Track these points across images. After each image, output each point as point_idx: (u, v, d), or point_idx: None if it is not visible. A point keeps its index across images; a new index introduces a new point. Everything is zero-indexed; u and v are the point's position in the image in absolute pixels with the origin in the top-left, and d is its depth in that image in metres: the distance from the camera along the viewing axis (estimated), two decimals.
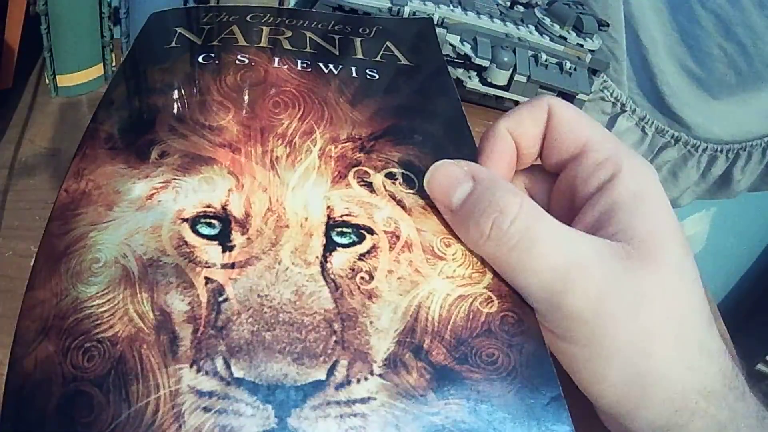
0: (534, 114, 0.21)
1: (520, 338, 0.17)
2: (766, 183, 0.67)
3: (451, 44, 0.40)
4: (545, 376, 0.16)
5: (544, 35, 0.41)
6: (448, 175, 0.20)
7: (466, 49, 0.37)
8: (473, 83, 0.41)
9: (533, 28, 0.42)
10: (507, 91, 0.39)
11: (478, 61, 0.37)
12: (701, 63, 0.56)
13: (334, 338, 0.16)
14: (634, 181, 0.19)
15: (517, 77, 0.38)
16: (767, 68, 0.55)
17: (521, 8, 0.44)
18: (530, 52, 0.39)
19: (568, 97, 0.42)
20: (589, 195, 0.20)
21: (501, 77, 0.38)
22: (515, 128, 0.21)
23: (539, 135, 0.22)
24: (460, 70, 0.41)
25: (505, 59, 0.37)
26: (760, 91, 0.58)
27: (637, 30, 0.56)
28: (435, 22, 0.40)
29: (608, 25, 0.47)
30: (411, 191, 0.21)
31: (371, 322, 0.17)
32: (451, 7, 0.39)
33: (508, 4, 0.44)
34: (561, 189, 0.21)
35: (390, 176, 0.21)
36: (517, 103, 0.39)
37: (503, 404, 0.16)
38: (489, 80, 0.38)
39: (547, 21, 0.42)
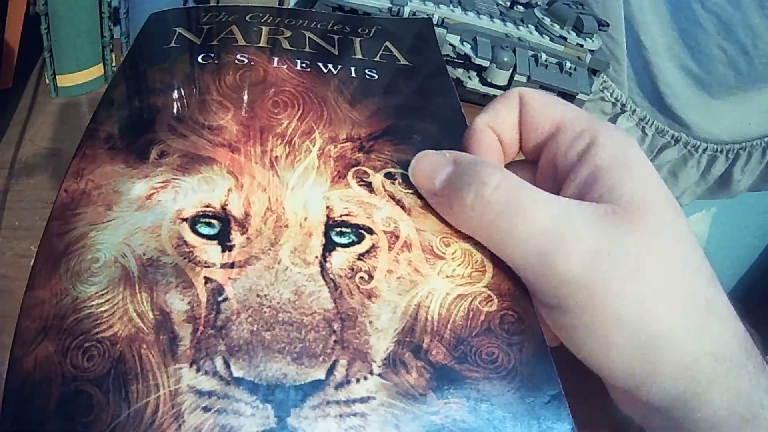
0: (507, 105, 0.21)
1: (519, 337, 0.17)
2: (766, 183, 0.67)
3: (451, 44, 0.40)
4: (545, 374, 0.16)
5: (544, 35, 0.41)
6: (430, 162, 0.20)
7: (466, 49, 0.37)
8: (473, 83, 0.41)
9: (533, 28, 0.42)
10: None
11: (478, 61, 0.37)
12: (701, 63, 0.56)
13: (333, 338, 0.16)
14: (614, 145, 0.19)
15: (517, 77, 0.38)
16: (767, 68, 0.55)
17: (521, 8, 0.44)
18: (530, 52, 0.39)
19: (568, 97, 0.42)
20: (570, 166, 0.19)
21: (501, 77, 0.38)
22: (493, 121, 0.22)
23: (516, 125, 0.22)
24: (460, 70, 0.41)
25: (505, 59, 0.37)
26: (760, 91, 0.58)
27: (638, 30, 0.56)
28: (435, 22, 0.40)
29: (608, 25, 0.47)
30: (410, 191, 0.21)
31: (371, 322, 0.17)
32: (451, 7, 0.39)
33: (508, 4, 0.44)
34: (543, 172, 0.21)
35: (389, 176, 0.21)
36: None
37: (503, 403, 0.16)
38: (489, 80, 0.38)
39: (547, 21, 0.42)
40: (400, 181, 0.21)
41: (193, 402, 0.15)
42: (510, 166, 0.23)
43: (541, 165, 0.22)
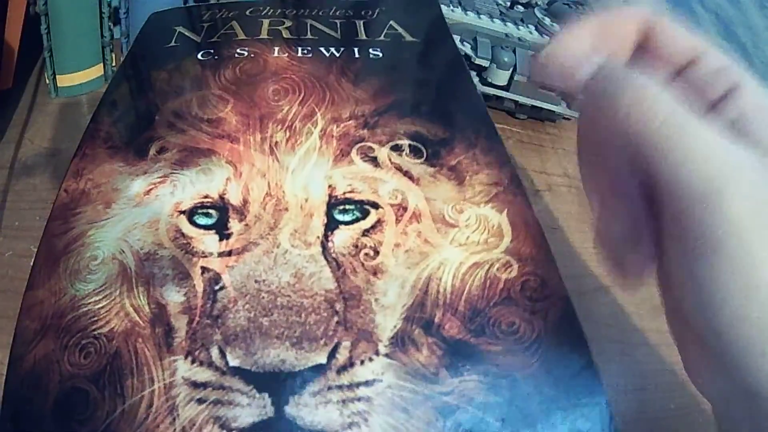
0: (620, 25, 0.18)
1: (544, 303, 0.15)
2: None
3: None
4: (575, 341, 0.14)
5: (544, 35, 0.40)
6: (571, 49, 0.17)
7: (466, 49, 0.36)
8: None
9: (533, 28, 0.41)
10: (507, 91, 0.38)
11: (478, 61, 0.36)
12: None
13: (335, 319, 0.15)
14: (759, 93, 0.16)
15: (517, 77, 0.37)
16: (767, 68, 0.52)
17: (521, 8, 0.43)
18: (530, 52, 0.38)
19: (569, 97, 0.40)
20: (711, 105, 0.17)
21: (501, 77, 0.37)
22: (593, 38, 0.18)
23: (627, 50, 0.18)
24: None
25: (505, 59, 0.36)
26: None
27: None
28: None
29: None
30: (419, 161, 0.19)
31: (376, 299, 0.16)
32: (451, 7, 0.38)
33: (508, 4, 0.43)
34: None
35: (396, 148, 0.20)
36: (517, 103, 0.38)
37: (526, 377, 0.14)
38: (489, 80, 0.37)
39: (547, 21, 0.41)
40: (408, 151, 0.20)
41: (188, 394, 0.14)
42: None
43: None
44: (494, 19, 0.40)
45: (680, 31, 0.18)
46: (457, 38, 0.38)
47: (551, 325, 0.14)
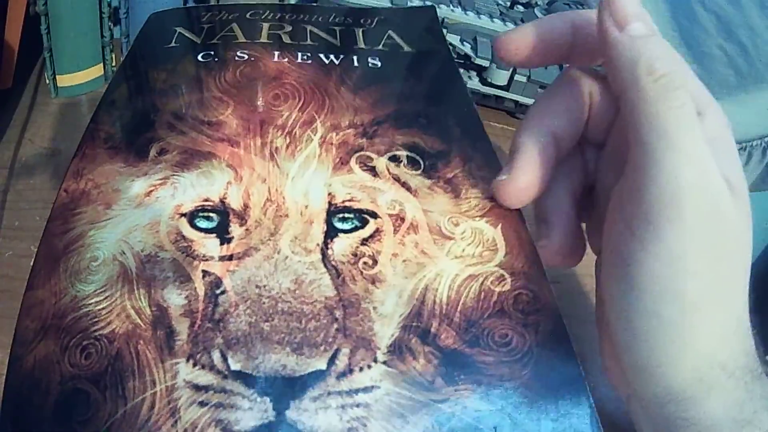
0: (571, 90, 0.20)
1: (535, 317, 0.16)
2: (766, 183, 0.64)
3: (451, 44, 0.39)
4: (563, 355, 0.15)
5: None
6: (634, 3, 0.18)
7: (466, 49, 0.37)
8: (473, 83, 0.41)
9: None
10: (507, 91, 0.38)
11: (478, 61, 0.37)
12: (701, 63, 0.55)
13: (335, 326, 0.16)
14: (719, 123, 0.18)
15: (517, 77, 0.37)
16: (767, 68, 0.54)
17: (521, 8, 0.44)
18: None
19: None
20: None
21: (501, 77, 0.38)
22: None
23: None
24: (460, 70, 0.40)
25: None
26: (760, 91, 0.56)
27: None
28: None
29: None
30: (416, 172, 0.20)
31: (375, 308, 0.16)
32: (451, 7, 0.39)
33: (508, 4, 0.44)
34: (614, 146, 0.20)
35: (394, 159, 0.20)
36: (517, 103, 0.38)
37: (518, 388, 0.14)
38: (489, 80, 0.38)
39: None
40: (406, 162, 0.20)
41: (190, 397, 0.14)
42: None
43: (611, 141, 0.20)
44: (494, 19, 0.40)
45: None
46: (457, 38, 0.39)
47: (542, 338, 0.15)
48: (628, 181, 0.17)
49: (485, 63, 0.37)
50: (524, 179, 0.18)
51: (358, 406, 0.14)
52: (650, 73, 0.16)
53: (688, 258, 0.15)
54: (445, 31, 0.39)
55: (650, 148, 0.16)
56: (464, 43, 0.37)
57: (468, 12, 0.40)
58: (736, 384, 0.16)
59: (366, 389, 0.15)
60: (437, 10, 0.39)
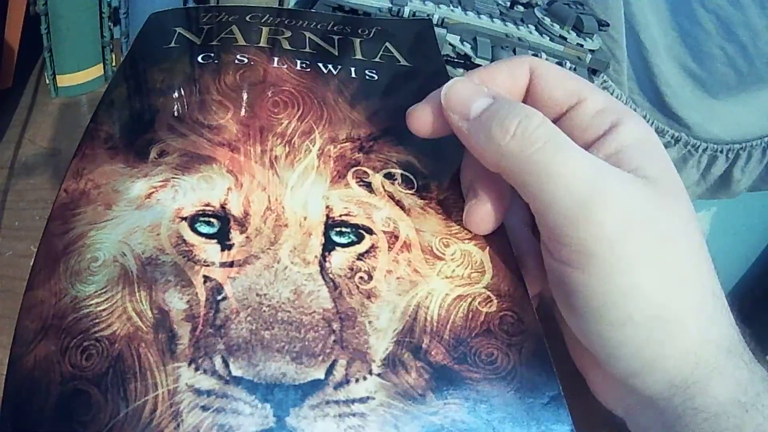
0: (512, 72, 0.21)
1: (519, 338, 0.17)
2: (766, 183, 0.67)
3: (451, 44, 0.40)
4: (545, 375, 0.16)
5: (544, 35, 0.41)
6: (467, 88, 0.19)
7: (466, 49, 0.37)
8: None
9: (533, 28, 0.42)
10: None
11: (478, 61, 0.37)
12: (701, 63, 0.56)
13: (332, 337, 0.16)
14: (639, 129, 0.19)
15: None
16: (767, 68, 0.55)
17: (521, 8, 0.44)
18: (530, 52, 0.39)
19: None
20: (590, 143, 0.19)
21: None
22: (488, 80, 0.20)
23: (518, 93, 0.21)
24: (460, 70, 0.41)
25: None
26: (760, 91, 0.58)
27: (638, 30, 0.56)
28: (435, 22, 0.40)
29: (608, 25, 0.47)
30: (410, 191, 0.21)
31: (370, 322, 0.17)
32: (451, 7, 0.39)
33: (508, 4, 0.44)
34: None
35: (389, 176, 0.21)
36: None
37: (502, 404, 0.16)
38: None
39: (547, 21, 0.42)
40: (400, 181, 0.21)
41: (192, 401, 0.15)
42: None
43: None
44: (494, 19, 0.40)
45: (565, 76, 0.21)
46: (456, 38, 0.39)
47: (525, 359, 0.17)
48: (540, 222, 0.18)
49: (485, 63, 0.38)
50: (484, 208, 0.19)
51: (354, 415, 0.15)
52: (506, 133, 0.17)
53: (624, 260, 0.16)
54: (445, 31, 0.39)
55: (533, 189, 0.17)
56: (464, 43, 0.38)
57: (468, 12, 0.40)
58: (735, 363, 0.16)
59: (362, 400, 0.15)
60: (437, 10, 0.40)
